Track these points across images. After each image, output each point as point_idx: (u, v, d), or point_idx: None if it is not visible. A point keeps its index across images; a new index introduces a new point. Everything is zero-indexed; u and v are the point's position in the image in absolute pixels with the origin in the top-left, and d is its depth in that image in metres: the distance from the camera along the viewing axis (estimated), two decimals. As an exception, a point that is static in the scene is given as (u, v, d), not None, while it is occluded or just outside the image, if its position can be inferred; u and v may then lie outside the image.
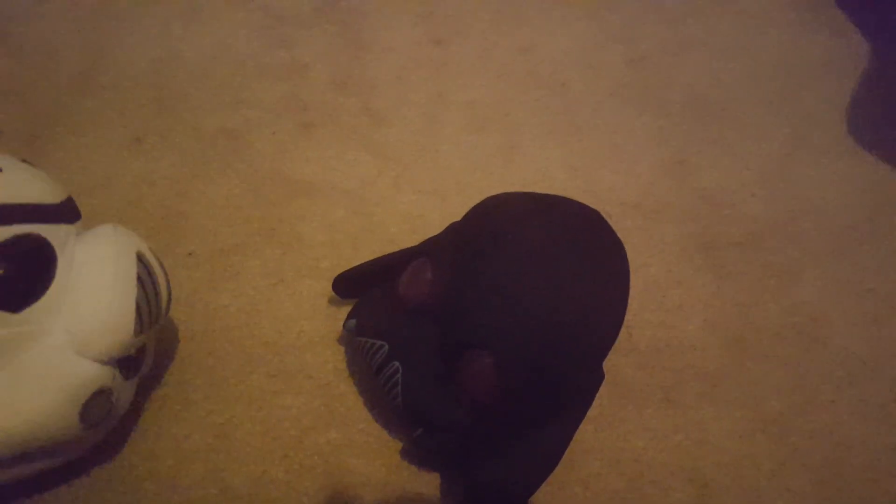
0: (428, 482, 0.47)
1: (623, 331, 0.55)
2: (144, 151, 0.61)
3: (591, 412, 0.51)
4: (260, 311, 0.53)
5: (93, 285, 0.39)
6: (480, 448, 0.44)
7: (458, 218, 0.49)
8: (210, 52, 0.68)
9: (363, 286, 0.51)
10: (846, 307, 0.60)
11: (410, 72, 0.72)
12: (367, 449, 0.48)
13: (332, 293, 0.54)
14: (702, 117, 0.74)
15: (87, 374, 0.38)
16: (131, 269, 0.41)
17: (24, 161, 0.42)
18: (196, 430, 0.48)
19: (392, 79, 0.71)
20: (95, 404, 0.39)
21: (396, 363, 0.44)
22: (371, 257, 0.53)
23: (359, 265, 0.52)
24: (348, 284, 0.52)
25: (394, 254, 0.51)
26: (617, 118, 0.72)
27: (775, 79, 0.78)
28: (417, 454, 0.48)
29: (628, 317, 0.56)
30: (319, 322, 0.53)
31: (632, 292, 0.57)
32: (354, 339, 0.47)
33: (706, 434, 0.52)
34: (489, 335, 0.41)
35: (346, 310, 0.51)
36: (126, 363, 0.41)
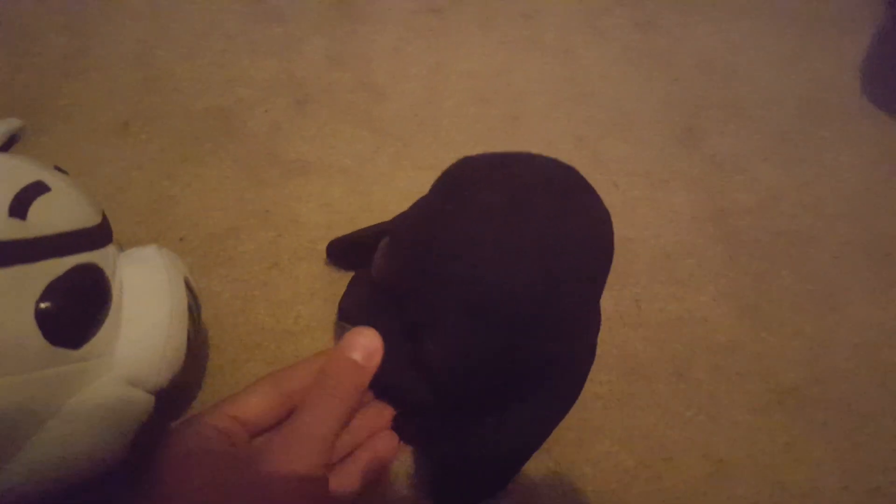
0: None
1: (632, 304, 0.54)
2: (133, 134, 0.59)
3: (600, 389, 0.50)
4: (255, 297, 0.52)
5: (150, 319, 0.38)
6: (449, 432, 0.42)
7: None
8: (199, 29, 0.66)
9: (355, 256, 0.50)
10: (863, 273, 0.58)
11: (408, 43, 0.70)
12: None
13: (330, 276, 0.53)
14: (712, 81, 0.71)
15: (143, 406, 0.38)
16: (184, 300, 0.40)
17: (58, 169, 0.40)
18: (192, 420, 0.47)
19: (389, 51, 0.69)
20: (143, 432, 0.38)
21: None
22: (370, 236, 0.51)
23: (351, 233, 0.51)
24: (340, 252, 0.51)
25: (383, 224, 0.49)
26: (624, 84, 0.70)
27: (787, 39, 0.76)
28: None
29: (637, 290, 0.54)
30: (317, 306, 0.52)
31: (641, 264, 0.55)
32: (337, 323, 0.46)
33: (719, 408, 0.50)
34: (435, 314, 0.38)
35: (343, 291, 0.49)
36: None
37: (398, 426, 0.44)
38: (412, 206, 0.46)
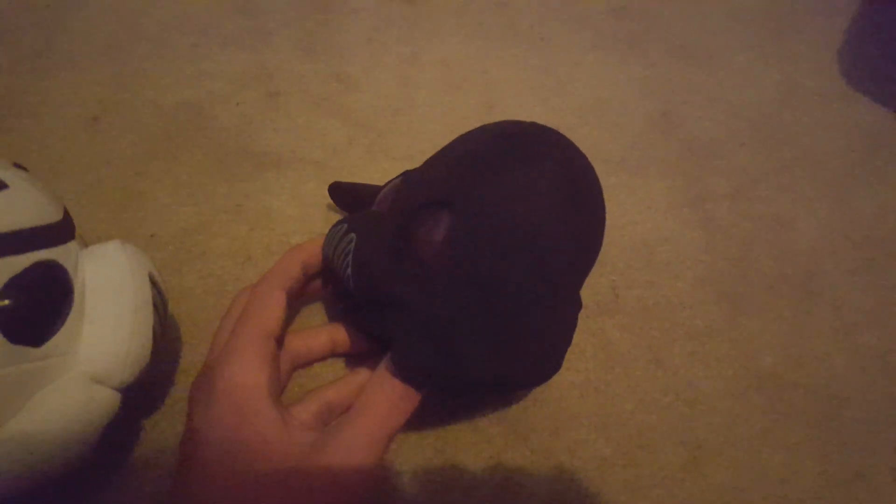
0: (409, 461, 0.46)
1: (609, 292, 0.54)
2: (102, 131, 0.58)
3: (576, 377, 0.49)
4: (228, 292, 0.51)
5: (113, 315, 0.38)
6: (429, 321, 0.38)
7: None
8: (169, 23, 0.66)
9: (355, 200, 0.52)
10: (841, 256, 0.58)
11: (381, 32, 0.70)
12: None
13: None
14: (688, 66, 0.71)
15: (108, 403, 0.37)
16: (148, 296, 0.39)
17: (17, 165, 0.40)
18: (164, 418, 0.46)
19: (362, 41, 0.69)
20: (110, 429, 0.38)
21: (353, 234, 0.41)
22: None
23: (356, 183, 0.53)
24: (344, 193, 0.53)
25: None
26: (600, 71, 0.70)
27: (763, 21, 0.76)
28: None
29: (614, 277, 0.54)
30: (290, 299, 0.51)
31: (618, 251, 0.55)
32: (326, 240, 0.44)
33: (697, 394, 0.50)
34: (450, 190, 0.38)
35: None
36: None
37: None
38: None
